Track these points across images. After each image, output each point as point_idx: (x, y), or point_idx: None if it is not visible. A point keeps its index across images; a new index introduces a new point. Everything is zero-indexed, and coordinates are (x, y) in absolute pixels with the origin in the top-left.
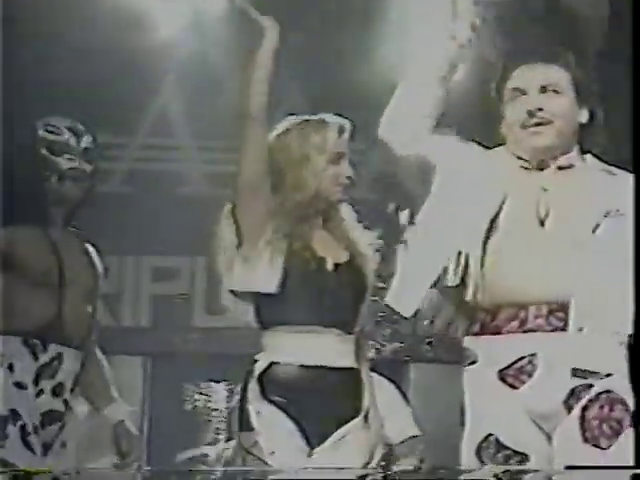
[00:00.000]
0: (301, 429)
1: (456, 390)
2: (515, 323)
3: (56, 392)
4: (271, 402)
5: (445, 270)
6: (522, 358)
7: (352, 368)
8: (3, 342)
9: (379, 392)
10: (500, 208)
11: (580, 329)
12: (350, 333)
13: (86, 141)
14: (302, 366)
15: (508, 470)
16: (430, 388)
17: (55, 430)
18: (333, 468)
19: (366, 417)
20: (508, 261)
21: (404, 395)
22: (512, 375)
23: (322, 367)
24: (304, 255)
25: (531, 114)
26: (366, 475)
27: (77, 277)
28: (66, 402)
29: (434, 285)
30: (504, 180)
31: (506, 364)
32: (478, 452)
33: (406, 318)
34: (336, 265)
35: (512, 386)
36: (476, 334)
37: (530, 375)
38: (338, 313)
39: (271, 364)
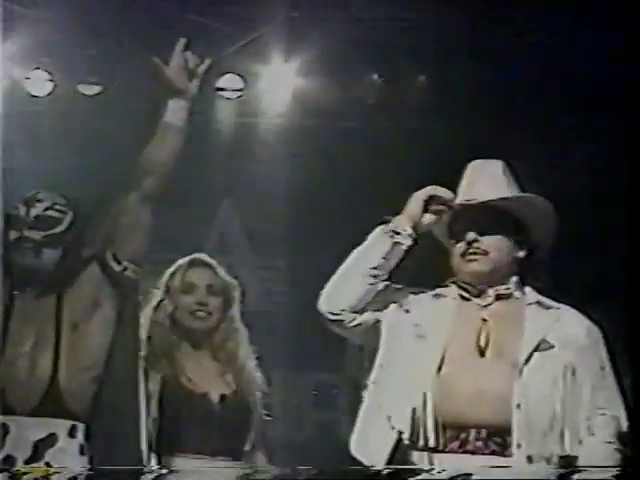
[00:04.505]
0: None
1: None
2: (455, 444)
3: None
4: None
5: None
6: (456, 477)
7: None
8: None
9: None
10: (449, 340)
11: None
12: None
13: (37, 210)
14: None
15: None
16: None
17: None
18: None
19: None
20: (453, 388)
21: None
22: None
23: None
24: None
25: (469, 244)
26: None
27: None
28: None
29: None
30: (450, 313)
31: None
32: None
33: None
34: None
35: None
36: (422, 450)
37: None
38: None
39: None
